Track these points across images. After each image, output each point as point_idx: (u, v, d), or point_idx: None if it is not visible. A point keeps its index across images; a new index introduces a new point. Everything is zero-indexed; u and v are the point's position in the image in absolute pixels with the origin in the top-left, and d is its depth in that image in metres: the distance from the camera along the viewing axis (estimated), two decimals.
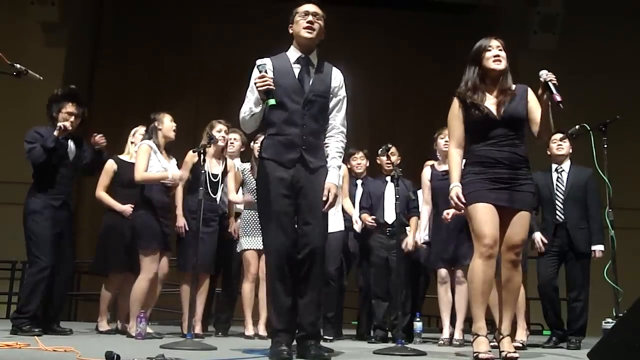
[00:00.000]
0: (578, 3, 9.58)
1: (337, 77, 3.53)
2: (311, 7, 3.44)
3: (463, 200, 3.44)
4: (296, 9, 3.47)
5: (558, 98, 3.32)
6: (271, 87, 3.24)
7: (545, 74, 3.40)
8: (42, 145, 4.57)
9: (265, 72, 3.28)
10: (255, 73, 3.42)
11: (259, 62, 3.36)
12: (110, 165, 5.49)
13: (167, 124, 4.99)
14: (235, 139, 5.71)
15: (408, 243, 5.51)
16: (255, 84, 3.28)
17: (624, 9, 9.62)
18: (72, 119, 4.77)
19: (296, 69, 3.44)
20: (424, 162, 5.90)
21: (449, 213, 5.03)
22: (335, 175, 3.42)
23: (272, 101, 3.24)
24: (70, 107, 4.77)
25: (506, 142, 3.46)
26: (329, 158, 3.46)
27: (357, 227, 5.67)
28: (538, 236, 5.28)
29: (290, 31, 3.50)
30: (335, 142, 3.48)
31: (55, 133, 4.61)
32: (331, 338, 5.25)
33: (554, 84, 3.35)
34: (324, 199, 3.34)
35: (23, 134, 4.76)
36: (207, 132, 5.14)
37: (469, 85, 3.55)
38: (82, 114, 4.85)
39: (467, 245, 5.10)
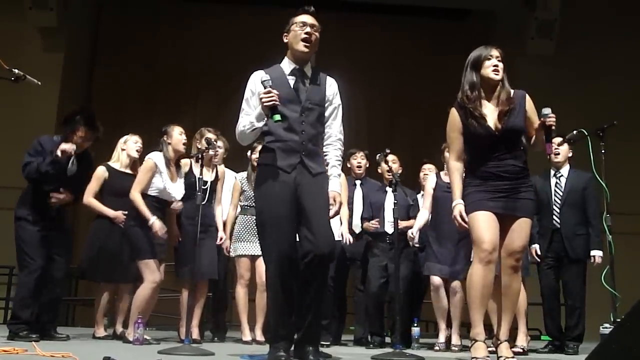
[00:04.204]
0: (575, 9, 9.61)
1: (331, 86, 3.54)
2: (309, 19, 3.43)
3: (466, 219, 3.45)
4: (293, 19, 3.45)
5: (548, 150, 3.48)
6: (277, 103, 3.23)
7: (547, 115, 3.40)
8: (38, 165, 4.54)
9: (271, 87, 3.24)
10: (252, 86, 3.43)
11: (263, 77, 3.31)
12: (102, 172, 5.42)
13: (176, 137, 4.93)
14: (219, 146, 5.68)
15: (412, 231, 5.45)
16: (260, 99, 3.24)
17: (621, 14, 9.65)
18: (85, 143, 4.73)
19: (291, 80, 3.44)
20: (422, 166, 5.92)
21: None
22: (337, 184, 3.47)
23: (277, 117, 3.23)
24: (83, 132, 4.70)
25: (506, 156, 3.46)
26: (329, 167, 3.48)
27: (348, 237, 5.59)
28: (535, 247, 5.29)
29: (285, 40, 3.48)
30: (334, 150, 3.50)
31: (58, 153, 4.52)
32: (328, 343, 5.24)
33: (552, 130, 3.41)
34: (330, 207, 3.37)
35: (20, 139, 4.76)
36: (198, 139, 5.14)
37: (468, 92, 3.54)
38: (96, 138, 4.80)
39: (463, 260, 5.12)
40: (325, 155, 3.50)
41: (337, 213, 3.44)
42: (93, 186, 5.38)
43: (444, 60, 10.31)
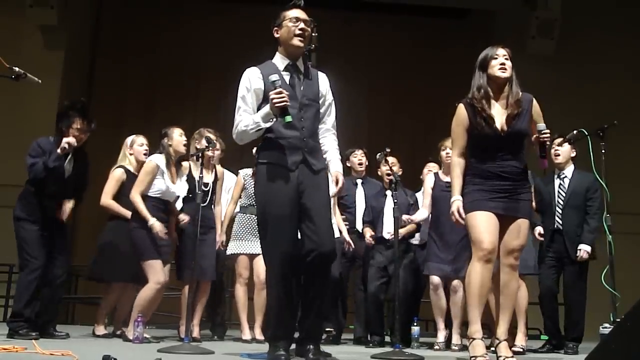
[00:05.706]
0: (576, 8, 9.60)
1: (323, 83, 3.55)
2: (302, 14, 3.41)
3: (463, 216, 3.46)
4: (284, 14, 3.42)
5: (543, 166, 3.60)
6: (288, 103, 3.22)
7: (542, 130, 3.47)
8: (44, 163, 4.55)
9: (280, 87, 3.24)
10: (247, 83, 3.40)
11: (272, 77, 3.28)
12: (120, 174, 5.33)
13: (176, 139, 4.95)
14: (217, 148, 5.64)
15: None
16: (272, 99, 3.21)
17: (621, 14, 9.65)
18: (82, 135, 4.74)
19: (286, 76, 3.42)
20: (423, 166, 5.91)
21: None
22: (339, 164, 3.51)
23: (289, 118, 3.23)
24: (79, 124, 4.72)
25: (508, 157, 3.48)
26: (330, 150, 3.52)
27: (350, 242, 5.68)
28: (539, 229, 5.25)
29: (276, 35, 3.45)
30: (331, 140, 3.55)
31: (59, 151, 4.56)
32: (332, 331, 5.27)
33: (547, 146, 3.52)
34: (334, 185, 3.41)
35: (21, 137, 4.74)
36: (197, 139, 5.15)
37: (477, 91, 3.55)
38: (91, 130, 4.82)
39: (463, 259, 5.11)
40: (323, 145, 3.52)
41: (340, 191, 3.49)
42: (111, 188, 5.31)
43: (444, 59, 10.33)
